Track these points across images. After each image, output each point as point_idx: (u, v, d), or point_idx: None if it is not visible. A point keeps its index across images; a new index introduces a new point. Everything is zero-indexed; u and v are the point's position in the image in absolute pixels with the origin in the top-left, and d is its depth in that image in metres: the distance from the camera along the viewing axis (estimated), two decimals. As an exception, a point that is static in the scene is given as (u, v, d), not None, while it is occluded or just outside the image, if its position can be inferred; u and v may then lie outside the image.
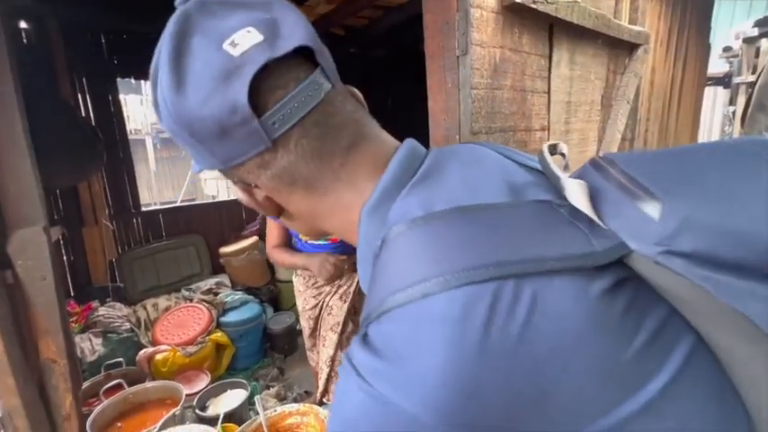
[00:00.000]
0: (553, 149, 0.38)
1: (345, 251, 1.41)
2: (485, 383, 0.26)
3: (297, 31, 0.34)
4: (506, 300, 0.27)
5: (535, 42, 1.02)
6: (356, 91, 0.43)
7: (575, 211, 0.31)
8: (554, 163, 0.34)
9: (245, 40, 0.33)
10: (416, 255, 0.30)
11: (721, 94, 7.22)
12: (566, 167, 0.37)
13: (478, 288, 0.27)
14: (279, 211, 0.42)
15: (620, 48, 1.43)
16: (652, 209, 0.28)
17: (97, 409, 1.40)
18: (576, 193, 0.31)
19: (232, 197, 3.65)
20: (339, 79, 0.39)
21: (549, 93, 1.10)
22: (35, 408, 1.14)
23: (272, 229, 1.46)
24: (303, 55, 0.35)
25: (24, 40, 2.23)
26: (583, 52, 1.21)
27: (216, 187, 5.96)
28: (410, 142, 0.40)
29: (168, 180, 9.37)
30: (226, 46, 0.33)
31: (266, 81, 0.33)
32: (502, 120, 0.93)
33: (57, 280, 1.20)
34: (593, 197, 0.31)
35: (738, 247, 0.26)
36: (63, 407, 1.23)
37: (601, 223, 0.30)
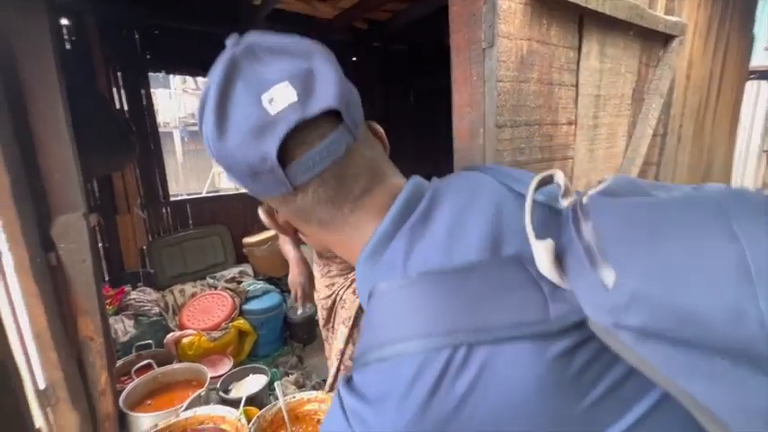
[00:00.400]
0: (550, 179, 0.38)
1: None
2: None
3: (328, 91, 0.37)
4: (456, 365, 0.31)
5: (564, 34, 0.99)
6: (377, 128, 0.46)
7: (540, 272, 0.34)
8: (530, 224, 0.35)
9: (281, 97, 0.36)
10: (389, 318, 0.36)
11: (765, 88, 6.78)
12: (564, 194, 0.37)
13: (434, 354, 0.32)
14: (295, 233, 0.48)
15: (654, 39, 1.37)
16: (608, 277, 0.29)
17: (129, 387, 1.49)
18: (541, 258, 0.33)
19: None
20: (363, 124, 0.42)
21: (577, 86, 1.07)
22: (75, 381, 1.22)
23: None
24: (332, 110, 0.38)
25: (65, 37, 2.35)
26: (614, 44, 1.17)
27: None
28: (411, 185, 0.43)
29: (194, 172, 9.67)
30: (264, 101, 0.36)
31: (295, 138, 0.37)
32: (527, 113, 0.91)
33: (95, 263, 1.27)
34: (563, 254, 0.33)
35: (684, 326, 0.26)
36: (99, 382, 1.30)
37: (564, 285, 0.32)
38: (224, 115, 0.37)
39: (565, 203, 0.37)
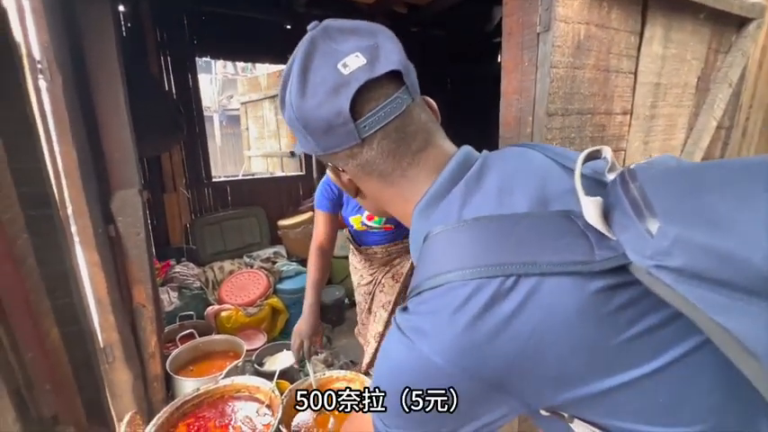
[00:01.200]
0: (598, 154, 0.42)
1: (395, 239, 1.47)
2: (480, 348, 0.36)
3: (392, 58, 0.44)
4: (505, 290, 0.35)
5: (625, 18, 0.92)
6: (431, 101, 0.52)
7: (589, 223, 0.36)
8: (580, 181, 0.38)
9: (353, 62, 0.43)
10: (445, 252, 0.40)
11: None
12: (611, 169, 0.41)
13: (485, 281, 0.36)
14: (357, 192, 0.53)
15: (727, 23, 1.25)
16: (653, 226, 0.32)
17: (174, 352, 1.60)
18: (590, 211, 0.36)
19: (289, 174, 3.83)
20: (419, 92, 0.48)
21: (635, 73, 0.99)
22: (129, 343, 1.33)
23: (319, 225, 1.38)
24: (395, 74, 0.45)
25: (122, 22, 2.48)
26: (681, 28, 1.07)
27: (265, 165, 6.14)
28: (464, 151, 0.48)
29: (231, 156, 10.02)
30: (339, 66, 0.43)
31: (364, 95, 0.43)
32: (580, 101, 0.86)
33: (147, 236, 1.37)
34: (610, 210, 0.36)
35: (723, 267, 0.28)
36: (149, 345, 1.41)
37: (611, 235, 0.35)
38: (305, 80, 0.44)
39: (611, 177, 0.40)
